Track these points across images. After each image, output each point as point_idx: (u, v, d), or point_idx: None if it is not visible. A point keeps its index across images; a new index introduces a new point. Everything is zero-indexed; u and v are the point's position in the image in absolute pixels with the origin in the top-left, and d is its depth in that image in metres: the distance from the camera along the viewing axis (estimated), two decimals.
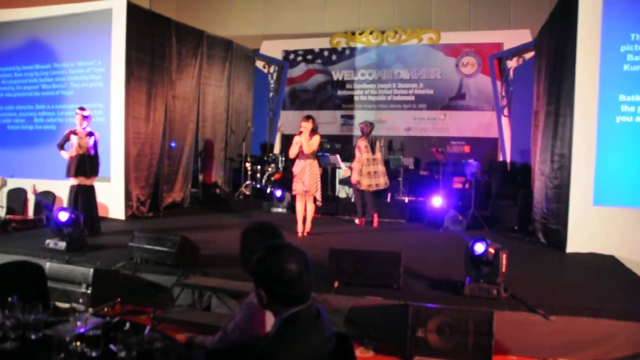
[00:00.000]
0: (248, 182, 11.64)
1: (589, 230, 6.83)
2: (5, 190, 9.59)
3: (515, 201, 9.17)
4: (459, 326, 4.25)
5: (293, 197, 8.32)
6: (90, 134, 7.60)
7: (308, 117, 7.62)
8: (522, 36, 11.61)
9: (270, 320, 2.58)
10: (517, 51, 11.79)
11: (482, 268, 4.84)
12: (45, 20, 9.86)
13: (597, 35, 6.86)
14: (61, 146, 7.63)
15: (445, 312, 4.34)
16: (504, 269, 4.77)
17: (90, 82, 9.47)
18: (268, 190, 11.28)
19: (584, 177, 6.88)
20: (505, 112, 12.06)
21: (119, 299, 5.35)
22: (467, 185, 9.99)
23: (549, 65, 8.14)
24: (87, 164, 7.55)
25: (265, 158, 12.21)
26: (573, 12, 6.98)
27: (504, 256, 4.78)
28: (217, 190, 11.74)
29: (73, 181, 7.55)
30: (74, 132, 7.54)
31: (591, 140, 6.88)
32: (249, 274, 2.87)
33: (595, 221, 6.83)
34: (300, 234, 7.74)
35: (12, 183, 9.67)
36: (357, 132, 12.96)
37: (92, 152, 7.58)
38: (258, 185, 11.72)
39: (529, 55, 11.20)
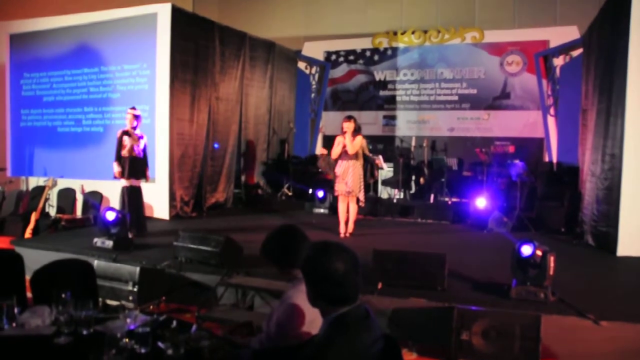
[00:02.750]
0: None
1: None
2: (55, 190, 9.88)
3: (562, 202, 8.94)
4: (505, 330, 4.16)
5: (335, 198, 8.30)
6: (141, 137, 7.69)
7: (349, 118, 7.61)
8: (570, 33, 11.29)
9: (312, 317, 2.58)
10: (564, 48, 11.48)
11: (529, 270, 4.74)
12: (93, 26, 10.13)
13: None
14: (119, 156, 7.55)
15: (491, 315, 4.26)
16: (552, 272, 4.66)
17: (136, 84, 9.69)
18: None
19: (636, 177, 6.65)
20: (552, 111, 11.77)
21: (164, 297, 5.44)
22: (504, 186, 9.79)
23: (599, 63, 7.91)
24: (138, 166, 7.63)
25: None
26: (625, 6, 6.76)
27: (552, 258, 4.67)
28: (260, 191, 11.84)
29: (124, 182, 7.61)
30: (127, 133, 7.58)
31: None
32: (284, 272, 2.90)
33: None
34: (342, 235, 7.72)
35: (62, 183, 9.95)
36: (400, 132, 12.88)
37: (142, 154, 7.66)
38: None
39: (577, 52, 10.89)
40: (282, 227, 3.00)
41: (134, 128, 7.63)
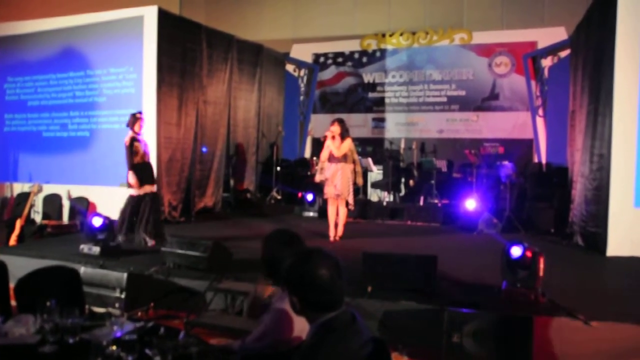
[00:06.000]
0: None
1: (629, 232, 6.63)
2: (41, 196, 9.77)
3: (552, 203, 8.98)
4: (496, 332, 4.15)
5: (325, 201, 8.29)
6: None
7: (335, 121, 7.61)
8: (557, 34, 11.39)
9: (299, 324, 2.56)
10: (552, 49, 11.57)
11: (519, 272, 4.74)
12: (78, 29, 10.04)
13: (636, 31, 6.67)
14: (133, 164, 7.08)
15: (481, 317, 4.24)
16: (541, 273, 4.67)
17: (123, 88, 9.61)
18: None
19: (624, 177, 6.69)
20: (540, 112, 11.85)
21: (152, 304, 5.38)
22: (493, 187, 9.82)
23: (587, 63, 7.96)
24: (151, 171, 7.38)
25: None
26: (611, 7, 6.81)
27: (542, 260, 4.67)
28: (249, 195, 11.78)
29: (133, 191, 7.18)
30: (136, 139, 7.19)
31: (631, 140, 6.70)
32: (271, 280, 2.88)
33: (636, 223, 6.63)
34: (332, 239, 7.69)
35: (47, 189, 9.83)
36: (389, 134, 12.91)
37: (148, 158, 7.38)
38: None
39: (565, 53, 10.96)
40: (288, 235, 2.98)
41: (139, 134, 7.29)
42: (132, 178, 7.09)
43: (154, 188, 7.39)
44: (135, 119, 7.26)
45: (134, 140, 7.15)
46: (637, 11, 6.67)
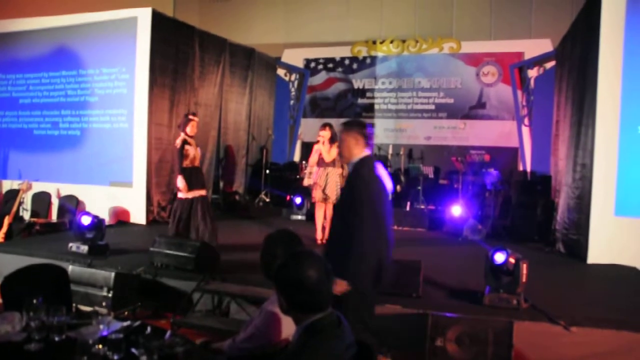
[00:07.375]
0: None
1: (609, 240, 6.74)
2: (30, 193, 9.75)
3: (535, 211, 9.08)
4: (479, 336, 4.21)
5: (312, 205, 8.34)
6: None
7: (325, 125, 7.66)
8: (543, 45, 11.54)
9: (287, 325, 2.61)
10: (538, 60, 11.70)
11: (502, 278, 4.82)
12: (72, 28, 10.04)
13: (619, 44, 6.79)
14: (182, 168, 6.83)
15: (464, 322, 4.31)
16: (524, 279, 4.74)
17: (115, 88, 9.61)
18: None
19: (606, 187, 6.79)
20: (526, 121, 11.97)
21: (139, 303, 5.40)
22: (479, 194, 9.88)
23: (571, 75, 8.09)
24: (201, 175, 7.19)
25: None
26: (595, 21, 6.93)
27: (525, 266, 4.75)
28: (237, 197, 11.82)
29: (182, 194, 6.90)
30: (188, 142, 6.91)
31: (613, 150, 6.81)
32: (269, 280, 2.92)
33: (616, 232, 6.73)
34: (319, 241, 7.74)
35: (37, 187, 9.82)
36: (377, 140, 12.97)
37: (199, 162, 7.16)
38: None
39: (550, 64, 11.13)
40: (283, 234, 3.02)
41: (193, 136, 7.05)
42: (180, 182, 6.82)
43: (204, 192, 7.09)
44: (187, 121, 6.97)
45: (185, 143, 6.88)
46: (620, 25, 6.79)
